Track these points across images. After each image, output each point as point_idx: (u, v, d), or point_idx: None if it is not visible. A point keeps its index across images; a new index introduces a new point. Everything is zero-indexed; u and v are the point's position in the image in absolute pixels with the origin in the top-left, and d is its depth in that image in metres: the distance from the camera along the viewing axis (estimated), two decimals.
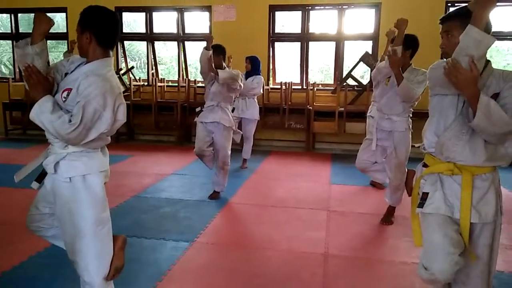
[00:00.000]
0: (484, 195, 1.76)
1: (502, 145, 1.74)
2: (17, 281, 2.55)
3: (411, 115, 3.58)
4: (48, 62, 1.89)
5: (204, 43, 3.96)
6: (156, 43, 8.15)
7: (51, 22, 1.84)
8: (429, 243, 1.78)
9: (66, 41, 7.79)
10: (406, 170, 3.31)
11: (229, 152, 4.25)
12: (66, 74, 1.88)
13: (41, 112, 1.72)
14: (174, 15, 7.75)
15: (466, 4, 1.65)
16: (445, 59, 1.75)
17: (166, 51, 10.22)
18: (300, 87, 7.42)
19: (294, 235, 3.39)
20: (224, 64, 4.20)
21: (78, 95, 1.75)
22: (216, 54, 4.05)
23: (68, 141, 1.76)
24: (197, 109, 4.32)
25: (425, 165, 1.91)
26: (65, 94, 1.79)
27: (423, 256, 1.78)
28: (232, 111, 4.47)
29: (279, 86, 7.09)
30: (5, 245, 3.05)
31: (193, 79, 7.71)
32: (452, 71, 1.59)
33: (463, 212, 1.74)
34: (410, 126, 3.56)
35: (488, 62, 1.73)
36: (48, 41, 1.98)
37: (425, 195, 1.84)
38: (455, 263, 1.68)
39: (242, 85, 4.25)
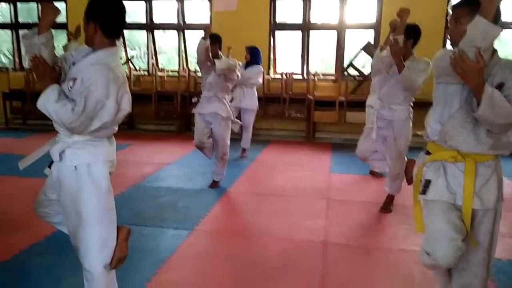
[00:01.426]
0: (486, 182, 1.77)
1: (505, 134, 1.74)
2: (19, 269, 2.57)
3: (411, 104, 3.57)
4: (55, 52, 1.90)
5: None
6: (156, 33, 8.09)
7: (57, 12, 1.84)
8: (431, 229, 1.79)
9: (65, 31, 7.76)
10: (406, 159, 3.32)
11: (228, 142, 4.25)
12: (73, 63, 1.89)
13: (47, 101, 1.73)
14: (174, 4, 7.70)
15: None
16: (451, 48, 1.75)
17: (166, 40, 10.16)
18: (300, 76, 7.39)
19: (294, 223, 3.40)
20: (220, 53, 4.18)
21: (82, 85, 1.76)
22: (212, 43, 4.02)
23: (71, 130, 1.78)
24: (193, 100, 4.31)
25: (427, 153, 1.92)
26: (71, 83, 1.80)
27: (426, 242, 1.79)
28: (231, 101, 4.45)
29: (279, 76, 7.06)
30: (7, 233, 3.07)
31: (193, 69, 7.67)
32: (458, 62, 1.58)
33: (465, 199, 1.75)
34: (411, 115, 3.55)
35: (495, 51, 1.72)
36: None
37: (427, 182, 1.85)
38: (458, 249, 1.70)
39: (239, 75, 4.23)
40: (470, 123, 1.73)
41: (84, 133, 1.81)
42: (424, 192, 1.85)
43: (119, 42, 1.98)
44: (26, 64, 8.71)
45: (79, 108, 1.71)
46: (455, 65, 1.60)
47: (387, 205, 3.70)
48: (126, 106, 1.90)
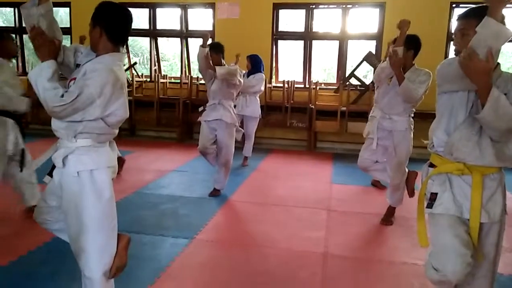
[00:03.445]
0: (492, 195, 1.77)
1: (506, 146, 1.74)
2: (16, 276, 2.55)
3: (412, 115, 3.57)
4: (56, 25, 1.91)
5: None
6: (159, 40, 8.14)
7: None
8: (440, 244, 1.77)
9: (69, 36, 7.79)
10: (407, 170, 3.31)
11: (233, 150, 4.24)
12: (78, 65, 1.90)
13: (39, 76, 1.72)
14: (177, 11, 7.74)
15: (483, 4, 1.63)
16: (455, 57, 1.75)
17: (169, 47, 10.21)
18: (302, 85, 7.40)
19: (294, 234, 3.38)
20: (223, 62, 4.19)
21: (82, 77, 1.77)
22: (215, 52, 4.06)
23: (51, 113, 1.76)
24: (200, 109, 4.35)
25: (431, 165, 1.91)
26: (71, 83, 1.80)
27: (433, 258, 1.77)
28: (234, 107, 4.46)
29: (281, 85, 7.07)
30: (5, 239, 3.05)
31: (196, 76, 7.69)
32: (468, 61, 1.57)
33: (473, 212, 1.74)
34: (412, 126, 3.55)
35: (497, 64, 1.72)
36: None
37: (433, 196, 1.83)
38: (467, 264, 1.69)
39: (241, 80, 4.24)
40: (475, 135, 1.73)
41: (61, 120, 1.79)
42: (430, 205, 1.83)
43: (123, 49, 1.99)
44: (29, 69, 8.74)
45: (69, 98, 1.70)
46: (465, 65, 1.59)
47: (388, 217, 3.68)
48: (122, 112, 1.88)
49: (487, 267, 1.82)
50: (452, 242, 1.72)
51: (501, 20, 1.53)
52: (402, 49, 3.16)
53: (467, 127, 1.74)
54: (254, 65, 5.62)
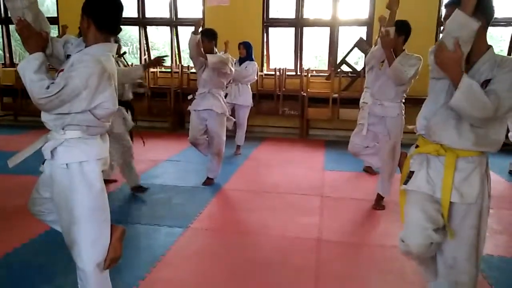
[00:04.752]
0: (467, 177, 1.79)
1: (493, 129, 1.75)
2: (11, 268, 2.55)
3: (403, 101, 3.58)
4: (42, 17, 1.89)
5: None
6: (149, 28, 8.04)
7: None
8: (407, 218, 1.87)
9: (56, 26, 7.68)
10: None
11: (224, 139, 4.24)
12: (68, 55, 1.88)
13: (27, 68, 1.71)
14: None
15: None
16: None
17: (159, 36, 10.09)
18: (294, 73, 7.38)
19: (288, 220, 3.41)
20: (215, 49, 4.15)
21: (69, 68, 1.76)
22: (208, 39, 4.01)
23: (38, 105, 1.76)
24: (189, 97, 4.31)
25: (417, 146, 1.95)
26: (60, 74, 1.78)
27: (402, 230, 1.86)
28: (225, 97, 4.44)
29: (273, 72, 7.05)
30: (1, 232, 3.04)
31: (186, 65, 7.64)
32: (437, 52, 1.64)
33: (444, 191, 1.79)
34: (403, 112, 3.56)
35: (489, 47, 1.74)
36: None
37: (411, 174, 1.91)
38: (428, 237, 1.76)
39: (232, 69, 4.21)
40: (453, 119, 1.75)
41: (48, 112, 1.79)
42: (406, 182, 1.91)
43: (113, 39, 1.97)
44: (17, 59, 8.61)
45: (54, 89, 1.69)
46: (436, 56, 1.65)
47: (379, 201, 3.72)
48: (109, 104, 1.85)
49: (469, 250, 1.83)
50: (417, 216, 1.80)
51: (471, 12, 1.55)
52: (393, 29, 3.14)
53: (446, 111, 1.77)
54: (248, 52, 5.59)
